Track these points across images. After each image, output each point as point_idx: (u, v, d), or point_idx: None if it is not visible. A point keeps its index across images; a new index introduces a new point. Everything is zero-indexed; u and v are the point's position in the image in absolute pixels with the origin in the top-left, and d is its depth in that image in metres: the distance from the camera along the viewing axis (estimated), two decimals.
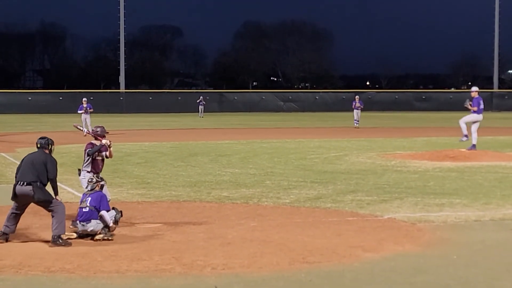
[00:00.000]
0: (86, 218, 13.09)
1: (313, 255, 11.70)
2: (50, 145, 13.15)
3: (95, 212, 13.13)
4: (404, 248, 12.39)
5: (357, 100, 53.12)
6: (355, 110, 52.85)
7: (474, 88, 29.17)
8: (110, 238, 12.96)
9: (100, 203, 13.23)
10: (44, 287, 9.97)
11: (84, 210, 13.18)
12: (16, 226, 12.90)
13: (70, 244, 12.49)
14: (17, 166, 13.17)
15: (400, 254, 11.94)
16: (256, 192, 19.01)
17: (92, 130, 14.80)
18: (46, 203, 12.68)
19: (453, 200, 17.55)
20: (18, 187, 12.73)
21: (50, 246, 12.40)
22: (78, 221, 13.17)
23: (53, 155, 13.12)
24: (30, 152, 13.26)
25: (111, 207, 13.51)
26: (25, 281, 10.26)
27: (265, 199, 17.86)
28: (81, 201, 13.43)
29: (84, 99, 45.60)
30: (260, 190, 19.28)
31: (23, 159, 13.04)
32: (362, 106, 53.40)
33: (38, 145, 13.12)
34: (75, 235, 13.03)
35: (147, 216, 15.37)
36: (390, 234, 13.55)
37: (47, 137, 13.33)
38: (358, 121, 52.34)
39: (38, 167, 12.72)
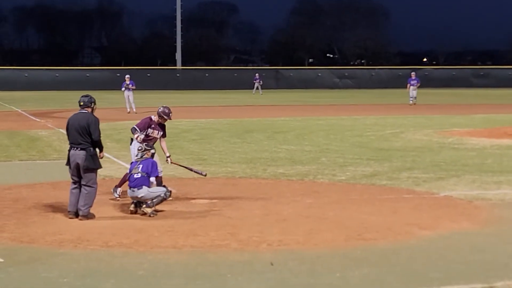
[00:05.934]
0: (137, 184, 13.07)
1: (368, 232, 11.68)
2: (92, 103, 13.05)
3: (147, 179, 13.11)
4: (461, 226, 12.29)
5: (413, 76, 51.27)
6: (411, 87, 50.93)
7: None
8: (155, 214, 12.99)
9: (151, 169, 13.20)
10: (102, 261, 10.11)
11: (135, 176, 13.15)
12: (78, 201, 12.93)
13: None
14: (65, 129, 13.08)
15: (457, 232, 11.85)
16: (312, 169, 19.00)
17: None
18: (91, 171, 12.75)
19: (511, 178, 17.34)
20: (72, 151, 12.79)
21: (80, 220, 12.63)
22: (129, 187, 13.24)
23: (95, 113, 12.98)
24: (74, 113, 13.18)
25: (162, 185, 13.60)
26: (84, 255, 10.42)
27: (321, 176, 17.85)
28: (132, 169, 13.37)
29: (127, 76, 44.05)
30: (316, 167, 19.26)
31: (69, 122, 12.95)
32: (418, 83, 51.28)
33: (81, 103, 13.00)
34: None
35: (203, 192, 15.46)
36: (446, 212, 13.46)
37: (90, 95, 13.20)
38: (414, 98, 50.46)
39: (84, 131, 12.67)
